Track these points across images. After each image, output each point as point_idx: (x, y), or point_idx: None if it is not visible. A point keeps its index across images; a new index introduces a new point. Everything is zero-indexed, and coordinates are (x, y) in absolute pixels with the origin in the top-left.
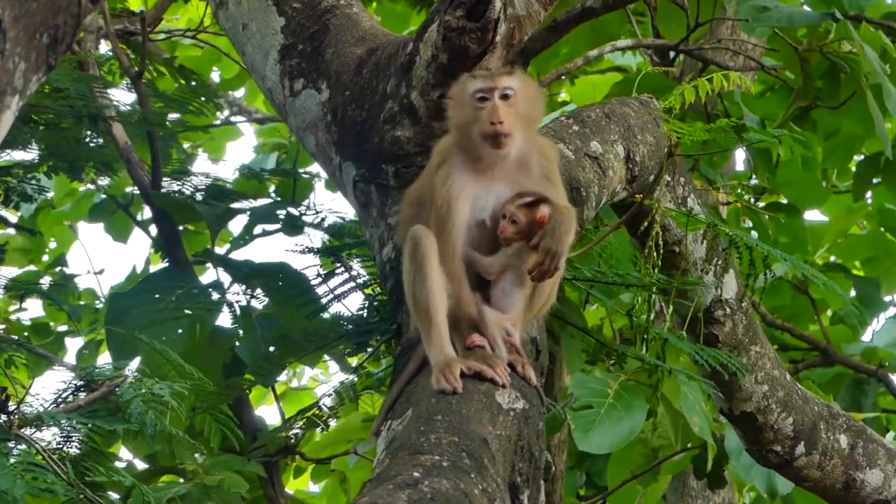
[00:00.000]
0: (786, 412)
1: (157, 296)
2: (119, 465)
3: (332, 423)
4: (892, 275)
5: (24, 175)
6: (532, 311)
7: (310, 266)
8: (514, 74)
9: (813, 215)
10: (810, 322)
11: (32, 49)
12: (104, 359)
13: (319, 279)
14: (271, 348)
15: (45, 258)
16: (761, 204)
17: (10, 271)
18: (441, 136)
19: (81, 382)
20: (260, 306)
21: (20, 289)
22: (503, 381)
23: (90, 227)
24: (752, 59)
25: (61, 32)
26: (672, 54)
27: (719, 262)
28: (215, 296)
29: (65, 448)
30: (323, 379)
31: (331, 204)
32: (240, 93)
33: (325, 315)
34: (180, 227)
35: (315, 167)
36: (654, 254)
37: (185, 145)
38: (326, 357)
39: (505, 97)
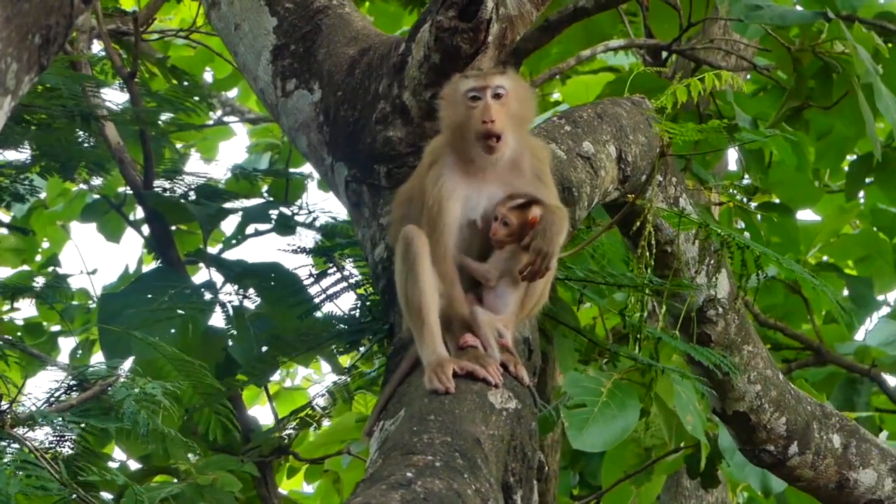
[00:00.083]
0: (779, 412)
1: (149, 296)
2: (112, 465)
3: (326, 423)
4: (885, 274)
5: (16, 175)
6: (524, 311)
7: (302, 266)
8: (507, 74)
9: (806, 215)
10: (803, 321)
11: (24, 49)
12: (97, 359)
13: (312, 279)
14: (264, 348)
15: (38, 258)
16: (754, 204)
17: (3, 271)
18: (433, 136)
19: (74, 382)
20: (252, 306)
21: (11, 289)
22: (496, 381)
23: (83, 227)
24: (745, 58)
25: (53, 33)
26: (664, 54)
27: (711, 262)
28: (208, 296)
29: (57, 448)
30: (316, 379)
31: (323, 204)
32: (233, 93)
33: (318, 315)
34: (173, 227)
35: (307, 167)
36: (647, 254)
37: (178, 145)
38: (319, 357)
39: (497, 96)
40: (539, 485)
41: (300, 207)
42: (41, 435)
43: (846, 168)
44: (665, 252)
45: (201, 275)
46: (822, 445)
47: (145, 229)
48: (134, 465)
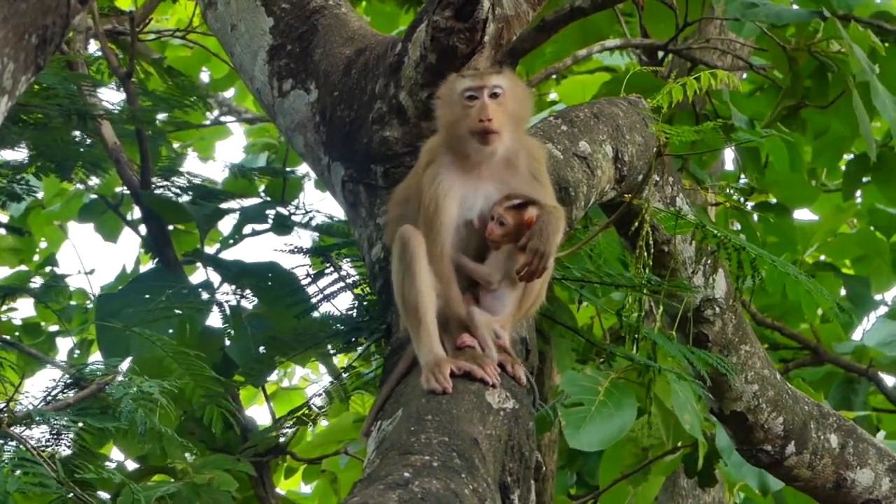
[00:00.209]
0: (776, 411)
1: (146, 296)
2: (110, 465)
3: (324, 423)
4: (882, 273)
5: (12, 175)
6: (521, 311)
7: (299, 266)
8: (503, 74)
9: (803, 214)
10: (800, 321)
11: (21, 49)
12: (95, 359)
13: (309, 279)
14: (261, 348)
15: (36, 258)
16: (751, 204)
17: (1, 272)
18: (429, 136)
19: (71, 380)
20: (250, 306)
21: (8, 289)
22: (493, 381)
23: (80, 227)
24: (741, 58)
25: (50, 33)
26: (661, 54)
27: (708, 262)
28: (205, 296)
29: (55, 446)
30: (314, 379)
31: (320, 204)
32: (229, 93)
33: (315, 315)
34: (170, 227)
35: (304, 167)
36: (644, 253)
37: (175, 145)
38: (315, 358)
39: (494, 96)
40: (536, 484)
41: (297, 207)
42: (38, 433)
43: (843, 167)
44: (662, 252)
45: (198, 275)
46: (820, 445)
47: (142, 229)
48: (132, 465)
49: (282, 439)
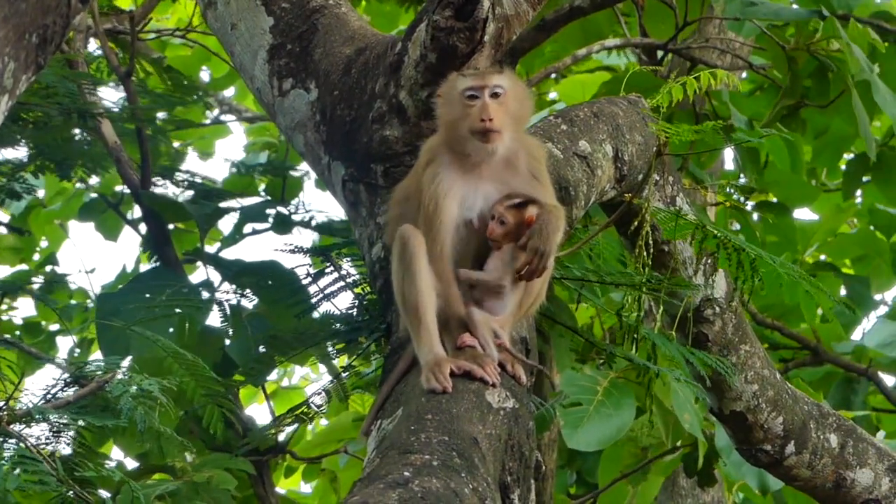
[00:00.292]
0: (775, 411)
1: (146, 295)
2: (110, 464)
3: (323, 422)
4: (882, 273)
5: (12, 173)
6: (521, 311)
7: (299, 265)
8: (504, 73)
9: (803, 214)
10: (800, 321)
11: (22, 49)
12: (95, 358)
13: (309, 278)
14: (261, 348)
15: (37, 257)
16: (750, 203)
17: (1, 271)
18: (429, 135)
19: (71, 379)
20: (250, 305)
21: (7, 288)
22: (493, 381)
23: (80, 226)
24: (740, 57)
25: (51, 32)
26: (660, 53)
27: (708, 262)
28: (205, 295)
29: (54, 445)
30: (314, 378)
31: (320, 203)
32: (229, 92)
33: (315, 314)
34: (170, 226)
35: (305, 166)
36: (644, 253)
37: (175, 144)
38: (316, 358)
39: (495, 95)
40: (536, 484)
41: (297, 207)
42: (38, 431)
43: (843, 167)
44: (662, 251)
45: (199, 274)
46: (819, 445)
47: (143, 228)
48: (132, 464)
49: (281, 438)
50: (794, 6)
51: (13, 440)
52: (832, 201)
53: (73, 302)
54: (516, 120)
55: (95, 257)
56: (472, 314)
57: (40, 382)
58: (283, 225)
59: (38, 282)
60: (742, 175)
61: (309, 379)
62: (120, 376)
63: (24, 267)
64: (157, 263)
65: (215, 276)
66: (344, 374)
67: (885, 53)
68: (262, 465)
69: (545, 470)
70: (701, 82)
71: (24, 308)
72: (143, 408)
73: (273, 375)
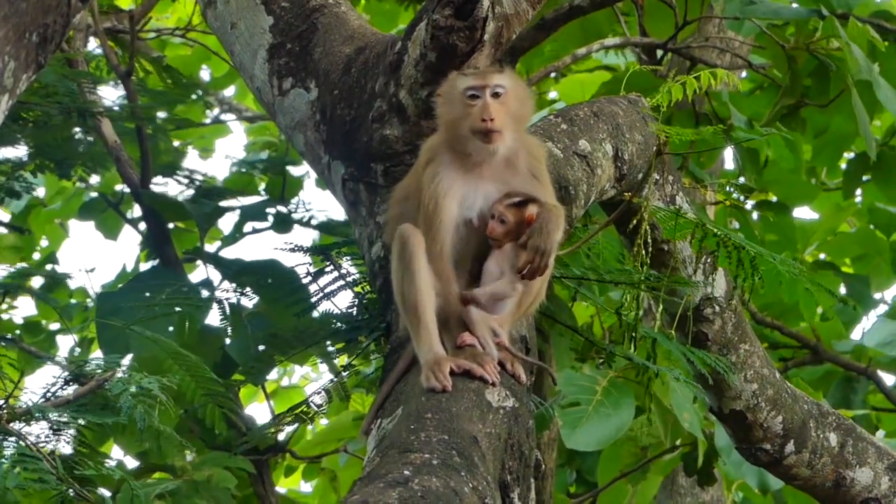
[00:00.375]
0: (775, 410)
1: (146, 294)
2: (110, 463)
3: (323, 422)
4: (882, 272)
5: (12, 172)
6: (521, 310)
7: (299, 264)
8: (505, 73)
9: (803, 213)
10: (800, 320)
11: (22, 48)
12: (95, 356)
13: (309, 277)
14: (261, 347)
15: (37, 256)
16: (750, 202)
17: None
18: (429, 134)
19: (71, 377)
20: (250, 304)
21: (7, 287)
22: (493, 380)
23: (81, 225)
24: (740, 56)
25: (51, 31)
26: (660, 53)
27: (708, 261)
28: (205, 294)
29: (55, 443)
30: (314, 377)
31: (321, 202)
32: (230, 91)
33: (315, 313)
34: (170, 225)
35: (305, 165)
36: (643, 252)
37: (175, 143)
38: (316, 357)
39: (496, 95)
40: (536, 483)
41: (297, 206)
42: (38, 430)
43: (843, 166)
44: (662, 250)
45: (199, 273)
46: (819, 444)
47: (143, 227)
48: (132, 463)
49: (281, 437)
50: (794, 5)
51: (13, 438)
52: (832, 200)
53: (73, 301)
54: (517, 119)
55: (95, 256)
56: (469, 313)
57: (40, 381)
58: (283, 224)
59: (37, 275)
60: (741, 175)
61: (309, 378)
62: (119, 375)
63: (24, 265)
64: (157, 262)
65: (215, 276)
66: (344, 374)
67: (885, 53)
68: (261, 465)
69: (545, 469)
70: (701, 82)
71: (25, 307)
72: (142, 406)
73: (273, 374)
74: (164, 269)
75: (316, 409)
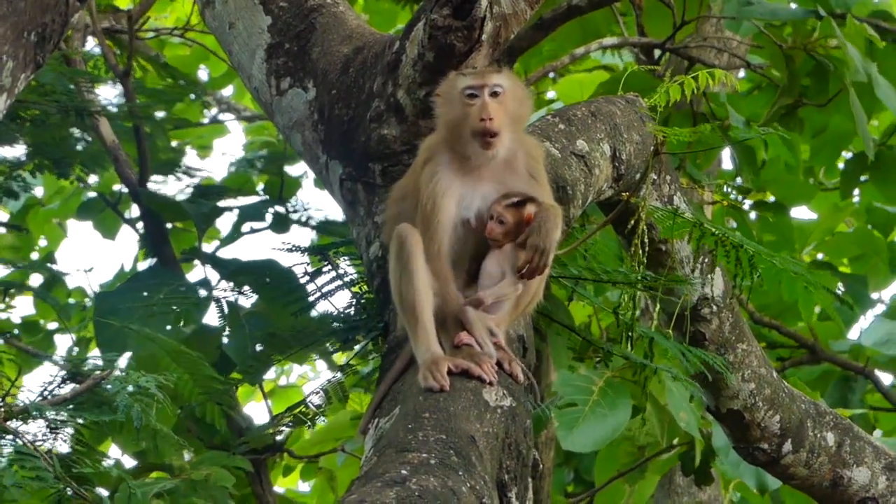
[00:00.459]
0: (773, 410)
1: (144, 293)
2: (108, 462)
3: (321, 421)
4: (880, 272)
5: (10, 172)
6: (518, 309)
7: (297, 264)
8: (504, 73)
9: (801, 213)
10: (798, 319)
11: (20, 47)
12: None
13: (307, 277)
14: (258, 346)
15: (35, 256)
16: (748, 202)
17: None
18: (427, 134)
19: (68, 376)
20: (248, 304)
21: (7, 285)
22: (490, 379)
23: (79, 224)
24: (738, 56)
25: (49, 31)
26: (657, 53)
27: (706, 261)
28: (203, 293)
29: (52, 441)
30: (312, 376)
31: (319, 202)
32: (228, 91)
33: (313, 313)
34: (168, 225)
35: (303, 165)
36: (640, 252)
37: (173, 143)
38: (315, 354)
39: (494, 95)
40: (533, 482)
41: (295, 206)
42: (35, 428)
43: (841, 166)
44: (659, 250)
45: (197, 272)
46: (816, 443)
47: (141, 226)
48: (130, 463)
49: (279, 437)
50: (793, 5)
51: (10, 437)
52: (830, 200)
53: (71, 301)
54: (515, 119)
55: (93, 256)
56: (465, 313)
57: (38, 380)
58: (282, 224)
59: (35, 272)
60: (739, 175)
61: (307, 377)
62: (117, 373)
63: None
64: (155, 262)
65: (213, 275)
66: (342, 373)
67: (883, 52)
68: (259, 464)
69: (542, 468)
70: (699, 82)
71: (23, 307)
72: (139, 405)
73: (271, 374)
74: (162, 268)
75: (315, 409)
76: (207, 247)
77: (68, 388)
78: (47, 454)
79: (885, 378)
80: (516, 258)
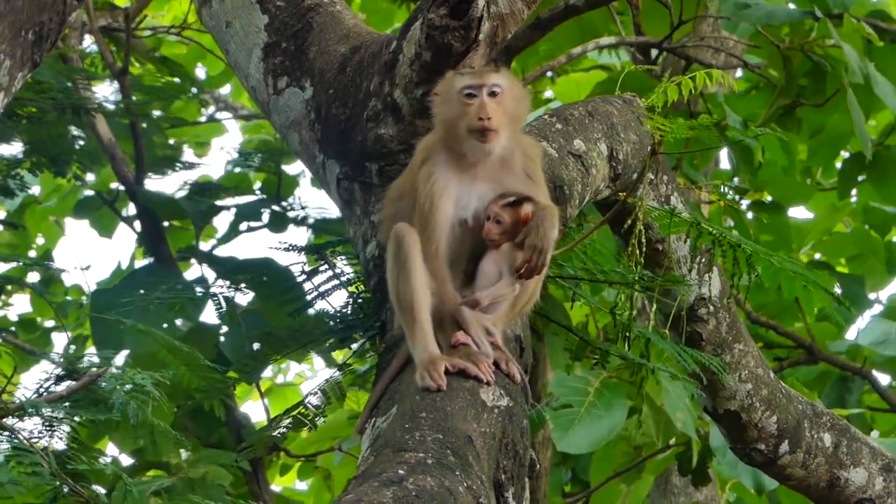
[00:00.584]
0: (770, 410)
1: (141, 291)
2: (105, 460)
3: (321, 422)
4: (877, 272)
5: (7, 170)
6: (516, 309)
7: (294, 263)
8: (502, 72)
9: (798, 213)
10: (795, 319)
11: (18, 46)
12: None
13: (303, 276)
14: (255, 345)
15: (33, 254)
16: (745, 202)
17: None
18: (424, 133)
19: (64, 373)
20: (244, 303)
21: (4, 282)
22: (487, 379)
23: (76, 223)
24: (735, 56)
25: (46, 29)
26: (655, 52)
27: (703, 261)
28: (199, 291)
29: (48, 438)
30: (309, 375)
31: (316, 201)
32: (225, 89)
33: (310, 312)
34: (165, 224)
35: (300, 164)
36: (637, 252)
37: (170, 141)
38: (313, 353)
39: (493, 94)
40: (530, 482)
41: (292, 205)
42: (31, 425)
43: (839, 166)
44: (656, 250)
45: (193, 271)
46: (813, 444)
47: (138, 225)
48: (127, 461)
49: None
50: (791, 6)
51: (6, 433)
52: (827, 200)
53: (68, 298)
54: (513, 119)
55: (90, 254)
56: (461, 312)
57: (35, 378)
58: (278, 222)
59: (32, 269)
60: (736, 175)
61: (304, 376)
62: (113, 371)
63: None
64: (152, 260)
65: (210, 274)
66: (339, 372)
67: (881, 51)
68: (256, 463)
69: (539, 468)
70: (696, 82)
71: (20, 305)
72: (135, 402)
73: (268, 372)
74: (159, 266)
75: (314, 411)
76: (204, 245)
77: (64, 386)
78: (43, 451)
79: (883, 378)
80: (513, 258)
